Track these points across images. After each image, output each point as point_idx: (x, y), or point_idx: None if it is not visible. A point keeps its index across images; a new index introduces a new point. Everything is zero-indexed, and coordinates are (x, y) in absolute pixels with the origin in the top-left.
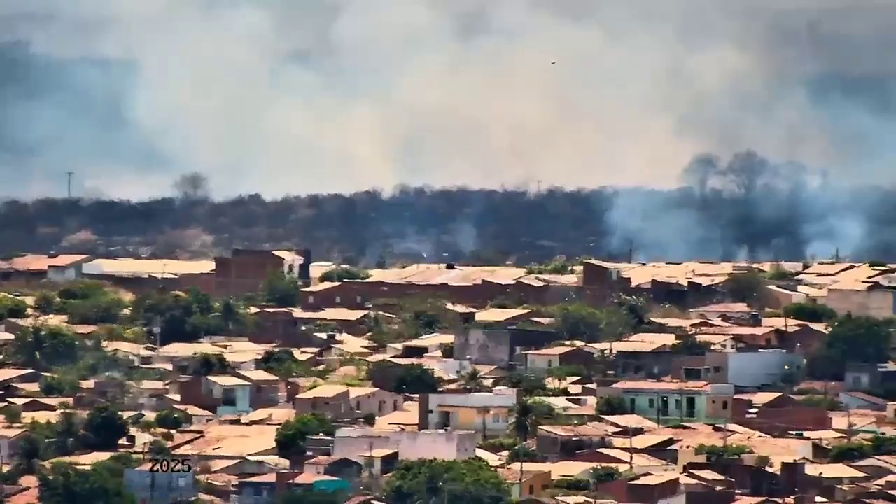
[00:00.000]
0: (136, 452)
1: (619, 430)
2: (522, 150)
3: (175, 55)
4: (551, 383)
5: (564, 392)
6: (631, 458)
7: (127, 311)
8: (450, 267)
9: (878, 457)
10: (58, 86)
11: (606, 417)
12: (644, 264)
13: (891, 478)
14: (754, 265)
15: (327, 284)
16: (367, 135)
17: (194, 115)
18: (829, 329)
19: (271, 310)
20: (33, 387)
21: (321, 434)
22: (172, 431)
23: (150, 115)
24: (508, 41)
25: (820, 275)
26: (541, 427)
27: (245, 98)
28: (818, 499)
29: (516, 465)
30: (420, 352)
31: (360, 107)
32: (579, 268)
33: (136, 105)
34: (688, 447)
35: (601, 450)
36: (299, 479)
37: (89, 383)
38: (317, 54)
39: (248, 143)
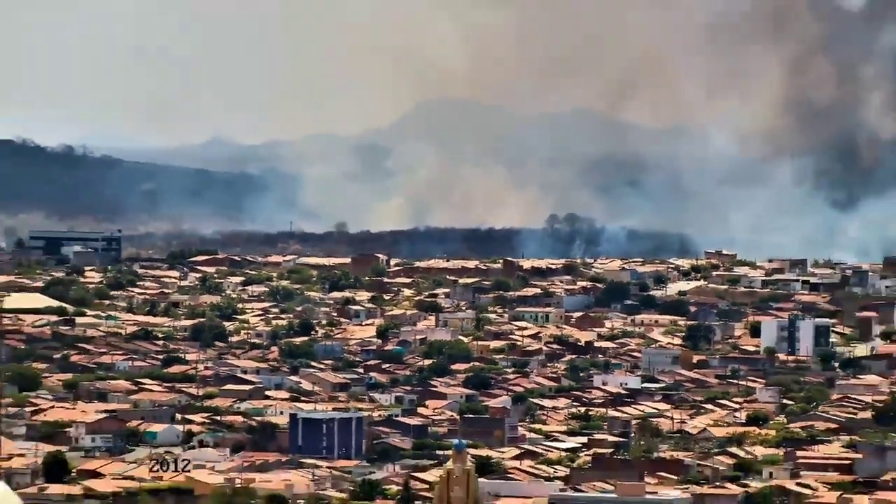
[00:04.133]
0: (319, 337)
1: (518, 328)
2: (476, 211)
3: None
4: (490, 310)
5: (496, 312)
6: (522, 340)
7: (314, 279)
8: (447, 262)
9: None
10: (283, 184)
11: (514, 323)
12: (529, 259)
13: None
14: (575, 260)
15: (397, 268)
16: (403, 200)
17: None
18: (604, 286)
19: (373, 280)
20: (276, 311)
21: (395, 329)
22: (334, 328)
23: (305, 196)
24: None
25: (601, 263)
26: (487, 327)
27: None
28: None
29: (476, 342)
30: (435, 296)
31: (395, 188)
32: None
33: (300, 192)
34: (548, 335)
35: (510, 335)
36: (385, 348)
37: (299, 309)
38: (362, 163)
39: (346, 207)
